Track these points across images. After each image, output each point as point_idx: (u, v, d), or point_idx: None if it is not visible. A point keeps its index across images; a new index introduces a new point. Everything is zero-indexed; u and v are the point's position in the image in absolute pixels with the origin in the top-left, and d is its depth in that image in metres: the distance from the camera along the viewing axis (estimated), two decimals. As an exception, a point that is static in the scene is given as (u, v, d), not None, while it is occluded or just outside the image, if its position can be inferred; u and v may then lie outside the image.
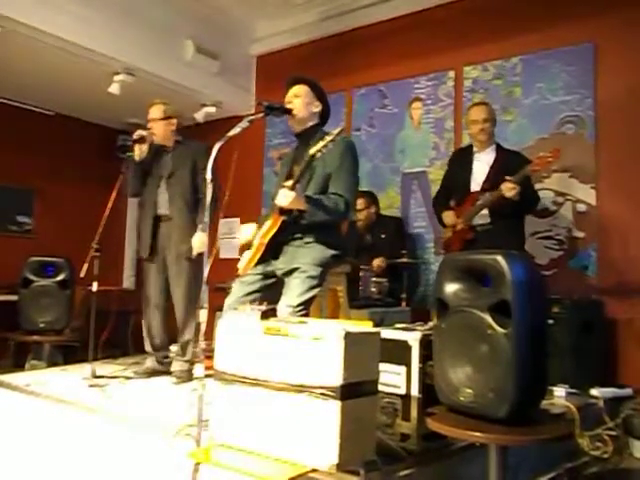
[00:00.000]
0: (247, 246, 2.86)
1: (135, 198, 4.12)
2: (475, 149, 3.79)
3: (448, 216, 3.77)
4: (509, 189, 3.34)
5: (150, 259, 3.77)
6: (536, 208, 3.79)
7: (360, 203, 4.53)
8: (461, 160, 3.86)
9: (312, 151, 2.57)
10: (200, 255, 3.60)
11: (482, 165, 3.70)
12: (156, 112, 3.77)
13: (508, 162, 3.57)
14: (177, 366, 3.69)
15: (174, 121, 3.82)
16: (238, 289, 2.79)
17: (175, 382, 3.59)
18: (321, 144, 2.54)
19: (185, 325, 3.70)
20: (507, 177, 3.35)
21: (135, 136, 3.65)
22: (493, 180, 3.55)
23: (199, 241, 3.60)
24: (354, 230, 4.59)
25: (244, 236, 2.90)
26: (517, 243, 3.54)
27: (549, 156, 3.35)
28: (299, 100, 2.87)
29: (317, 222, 2.67)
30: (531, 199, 3.57)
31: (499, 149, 3.73)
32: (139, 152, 3.68)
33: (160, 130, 3.74)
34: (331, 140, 2.54)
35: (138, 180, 3.78)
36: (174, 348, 3.71)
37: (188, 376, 3.60)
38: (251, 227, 2.91)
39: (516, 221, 3.64)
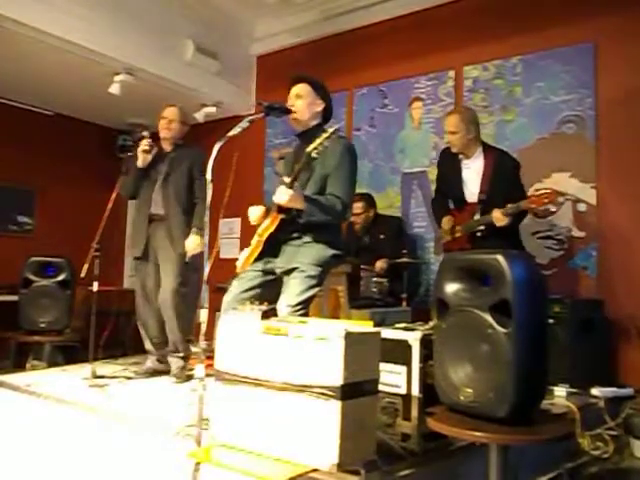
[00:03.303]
0: (259, 226, 2.83)
1: (132, 200, 4.11)
2: (461, 155, 3.71)
3: (446, 222, 3.76)
4: (499, 220, 3.40)
5: (144, 258, 3.76)
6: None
7: (358, 207, 4.52)
8: (450, 164, 3.78)
9: (308, 150, 2.58)
10: (193, 257, 3.62)
11: (471, 173, 3.66)
12: (174, 114, 3.83)
13: (498, 169, 3.55)
14: (174, 363, 3.69)
15: (187, 128, 3.92)
16: (237, 285, 2.77)
17: (175, 382, 3.59)
18: (317, 142, 2.55)
19: (175, 324, 3.65)
20: (496, 210, 3.38)
21: (146, 146, 3.66)
22: (488, 192, 3.55)
23: (193, 243, 3.62)
24: (352, 231, 4.59)
25: (254, 217, 2.87)
26: (514, 244, 3.53)
27: (545, 197, 3.28)
28: (301, 102, 2.85)
29: (313, 222, 2.66)
30: (521, 220, 3.59)
31: (486, 151, 3.65)
32: (143, 160, 3.71)
33: (176, 132, 3.81)
34: (326, 138, 2.54)
35: (137, 183, 3.79)
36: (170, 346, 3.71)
37: (186, 374, 3.60)
38: (259, 208, 2.87)
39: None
